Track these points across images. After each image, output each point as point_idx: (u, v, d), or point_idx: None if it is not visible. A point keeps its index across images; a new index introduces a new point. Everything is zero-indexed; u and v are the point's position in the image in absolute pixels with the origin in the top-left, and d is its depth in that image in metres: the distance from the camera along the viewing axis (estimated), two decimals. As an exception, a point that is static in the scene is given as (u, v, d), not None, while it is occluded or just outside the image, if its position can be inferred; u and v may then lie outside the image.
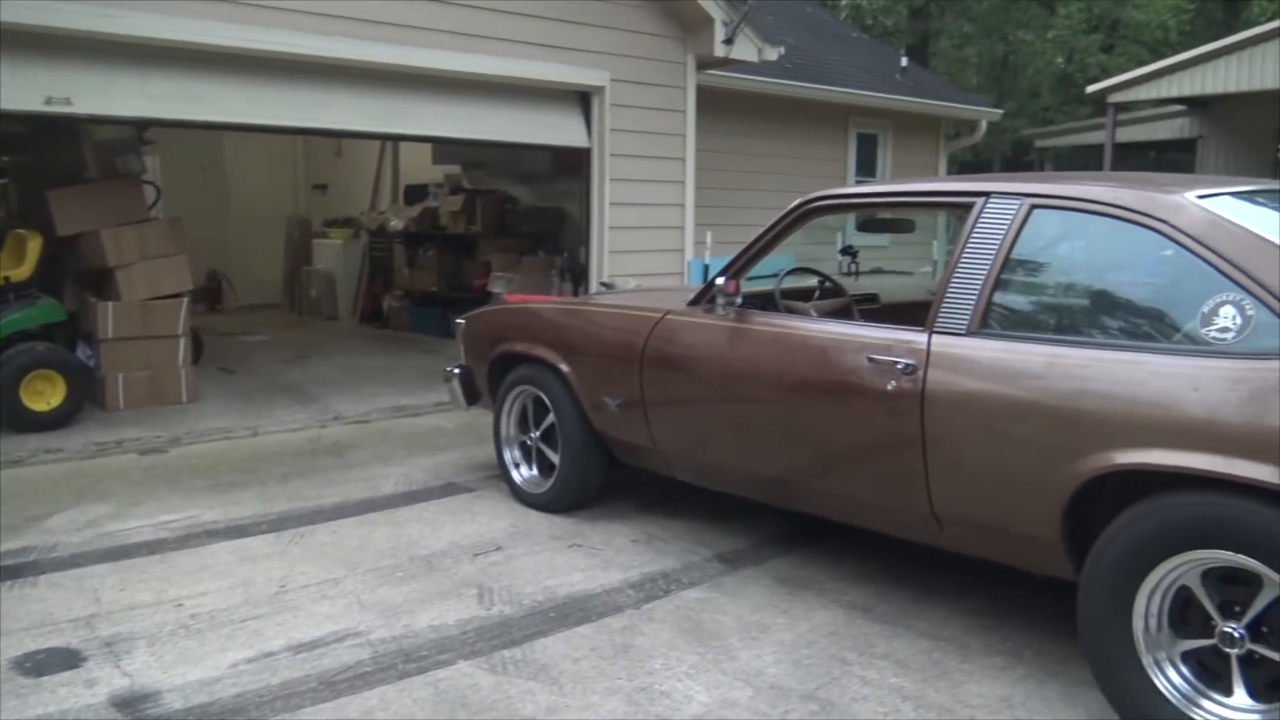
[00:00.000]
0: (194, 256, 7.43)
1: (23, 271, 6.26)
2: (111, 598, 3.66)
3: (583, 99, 7.82)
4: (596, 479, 4.65)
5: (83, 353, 6.63)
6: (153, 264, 6.68)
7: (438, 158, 10.66)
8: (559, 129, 7.74)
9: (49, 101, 5.46)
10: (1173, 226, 2.82)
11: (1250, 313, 2.60)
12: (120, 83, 5.72)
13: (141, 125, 7.30)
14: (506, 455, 4.92)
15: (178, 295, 6.77)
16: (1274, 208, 3.08)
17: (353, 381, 7.74)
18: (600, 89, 7.73)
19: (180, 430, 6.09)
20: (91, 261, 6.65)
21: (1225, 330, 2.63)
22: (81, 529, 4.39)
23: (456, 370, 5.24)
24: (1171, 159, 16.53)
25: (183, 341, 6.77)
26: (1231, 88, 12.69)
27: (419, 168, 11.32)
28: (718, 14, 8.03)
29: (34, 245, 6.30)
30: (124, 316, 6.54)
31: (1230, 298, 2.65)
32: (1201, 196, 2.89)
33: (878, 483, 3.43)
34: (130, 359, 6.59)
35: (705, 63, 8.45)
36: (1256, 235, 2.71)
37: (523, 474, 4.87)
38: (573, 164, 8.30)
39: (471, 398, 5.23)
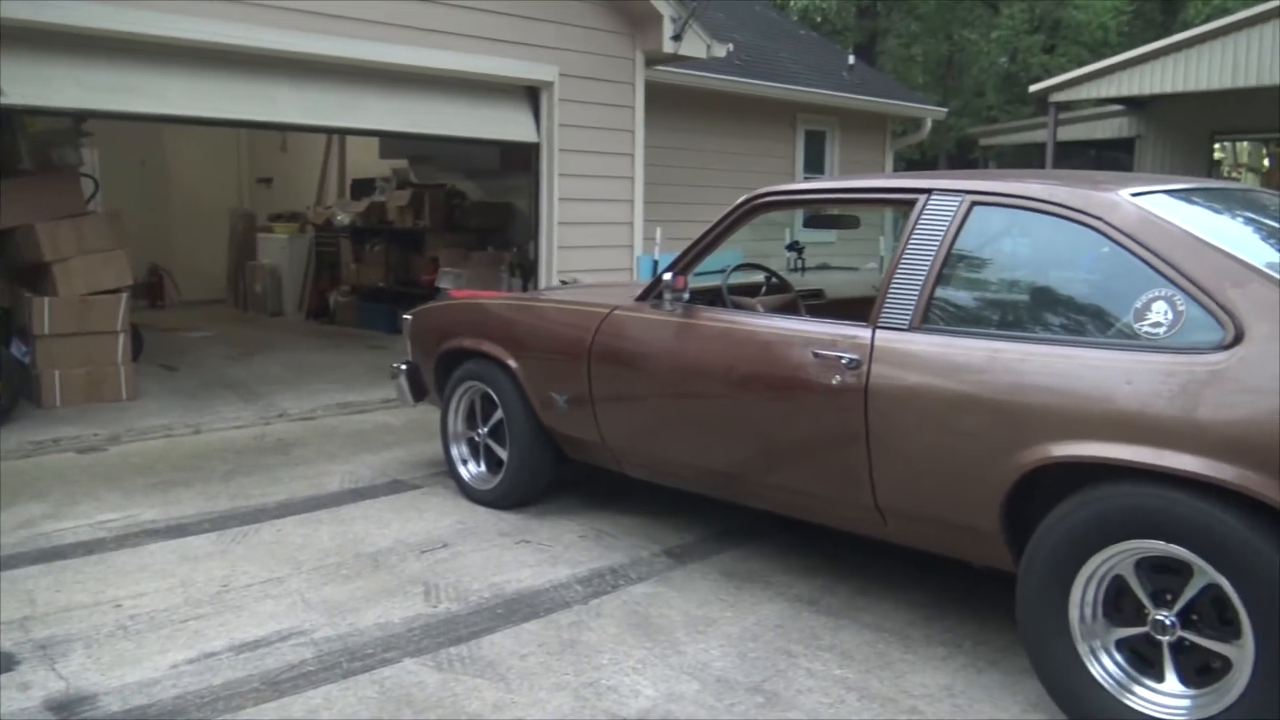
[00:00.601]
0: (135, 251, 7.30)
1: (-46, 266, 6.10)
2: (47, 599, 3.58)
3: (531, 94, 7.79)
4: (545, 475, 4.64)
5: (17, 349, 6.47)
6: (91, 258, 6.53)
7: (385, 152, 10.56)
8: (508, 124, 7.70)
9: (-21, 92, 5.31)
10: (1107, 224, 2.88)
11: (1181, 308, 2.67)
12: (55, 73, 5.58)
13: (78, 117, 7.13)
14: (454, 452, 4.89)
15: (117, 290, 6.63)
16: (1207, 206, 3.17)
17: (298, 378, 7.64)
18: (549, 84, 7.71)
19: (120, 428, 5.97)
20: (27, 256, 6.49)
21: (1158, 325, 2.70)
22: (15, 530, 4.28)
23: (403, 366, 5.20)
24: (1111, 157, 16.86)
25: (122, 337, 6.63)
26: (1168, 88, 12.97)
27: (366, 162, 11.20)
28: (666, 10, 8.04)
29: (-35, 239, 6.14)
30: (61, 312, 6.40)
31: (1162, 293, 2.71)
32: (1136, 195, 2.95)
33: (823, 476, 3.46)
34: (67, 355, 6.45)
35: (654, 59, 8.46)
36: (1188, 233, 2.78)
37: (470, 470, 4.85)
38: (521, 159, 8.26)
39: (418, 394, 5.19)
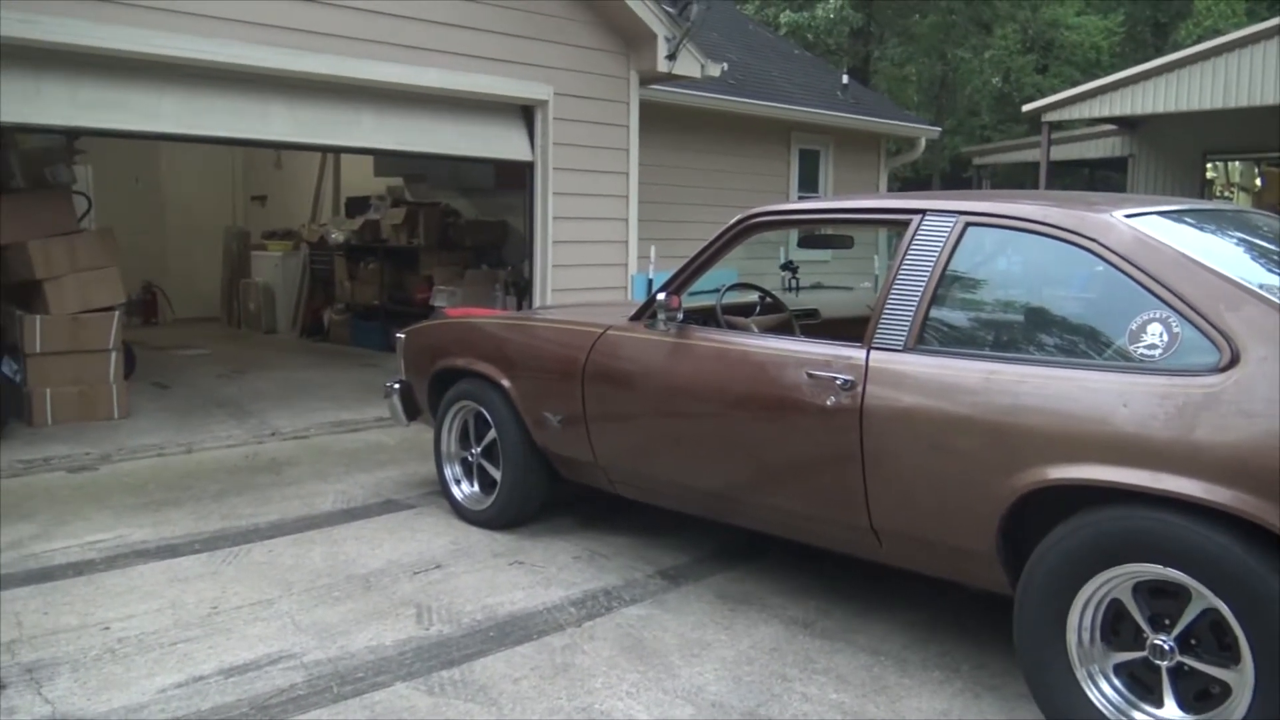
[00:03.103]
0: (128, 269, 7.28)
1: (-55, 284, 6.07)
2: (34, 622, 3.54)
3: (526, 112, 7.80)
4: (538, 495, 4.62)
5: (8, 367, 6.44)
6: (83, 276, 6.52)
7: (379, 170, 10.57)
8: (502, 142, 7.70)
9: (-29, 109, 5.30)
10: (1102, 245, 2.87)
11: (1176, 330, 2.66)
12: (47, 90, 5.57)
13: (71, 134, 7.12)
14: (447, 472, 4.86)
15: (109, 308, 6.61)
16: (1200, 227, 3.16)
17: (291, 396, 7.61)
18: (544, 102, 7.72)
19: (111, 447, 5.93)
20: (19, 274, 6.47)
21: (1153, 347, 2.69)
22: (4, 550, 4.24)
23: (397, 385, 5.18)
24: (1104, 176, 16.95)
25: (114, 355, 6.60)
26: (1160, 108, 13.04)
27: (360, 180, 11.21)
28: (660, 30, 8.07)
29: (-43, 257, 6.12)
30: (52, 330, 6.37)
31: (1157, 315, 2.70)
32: (1130, 216, 2.95)
33: (818, 498, 3.44)
34: (59, 374, 6.42)
35: (648, 78, 8.48)
36: (1183, 254, 2.77)
37: (464, 490, 4.82)
38: (516, 177, 8.28)
39: (412, 413, 5.17)
